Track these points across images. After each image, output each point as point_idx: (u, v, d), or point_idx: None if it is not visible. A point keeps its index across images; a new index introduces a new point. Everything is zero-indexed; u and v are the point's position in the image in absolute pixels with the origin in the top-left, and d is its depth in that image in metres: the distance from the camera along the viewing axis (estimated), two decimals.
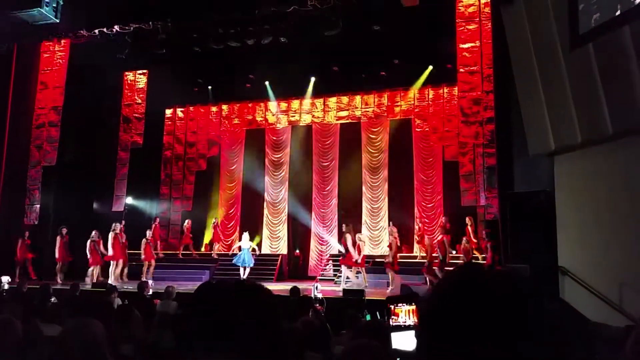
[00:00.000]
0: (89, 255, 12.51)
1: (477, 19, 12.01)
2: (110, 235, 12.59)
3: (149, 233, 13.50)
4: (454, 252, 13.03)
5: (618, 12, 6.51)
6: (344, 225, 13.78)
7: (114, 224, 13.01)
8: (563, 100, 7.49)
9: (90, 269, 12.53)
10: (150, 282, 10.61)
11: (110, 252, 12.55)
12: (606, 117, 6.83)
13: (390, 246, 11.75)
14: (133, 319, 3.84)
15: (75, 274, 12.78)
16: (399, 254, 12.21)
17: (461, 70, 12.12)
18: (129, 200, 15.71)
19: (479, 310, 0.82)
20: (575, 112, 7.35)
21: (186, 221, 15.51)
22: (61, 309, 5.04)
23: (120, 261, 12.82)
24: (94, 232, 12.76)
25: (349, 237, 12.16)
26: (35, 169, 14.05)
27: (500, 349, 0.79)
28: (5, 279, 10.14)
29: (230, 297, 1.15)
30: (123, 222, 13.85)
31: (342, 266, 12.48)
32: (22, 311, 4.56)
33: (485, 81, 11.78)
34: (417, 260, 13.51)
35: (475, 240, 12.78)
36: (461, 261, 11.52)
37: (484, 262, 11.01)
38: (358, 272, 12.35)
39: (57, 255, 12.74)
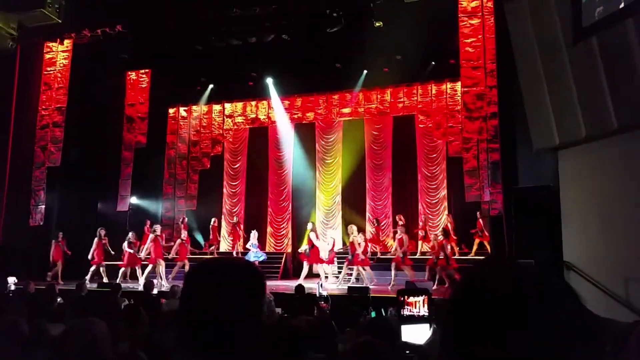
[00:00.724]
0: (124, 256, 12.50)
1: (480, 14, 11.94)
2: (151, 237, 12.39)
3: (184, 233, 13.25)
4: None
5: (622, 5, 6.47)
6: (348, 227, 13.77)
7: (155, 226, 12.89)
8: (567, 94, 7.45)
9: (123, 270, 12.50)
10: (156, 281, 10.65)
11: (151, 254, 12.39)
12: (611, 111, 6.80)
13: (400, 241, 11.60)
14: (140, 319, 3.85)
15: (77, 274, 12.83)
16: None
17: (464, 65, 12.07)
18: (134, 200, 15.75)
19: (505, 307, 0.80)
20: (580, 106, 7.32)
21: (212, 220, 15.48)
22: (67, 309, 5.07)
23: (162, 262, 12.61)
24: (130, 234, 12.74)
25: (354, 238, 12.07)
26: (39, 170, 14.10)
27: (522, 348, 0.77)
28: (12, 279, 10.19)
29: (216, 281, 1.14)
30: (159, 223, 13.93)
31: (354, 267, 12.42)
32: (28, 312, 4.58)
33: (488, 76, 11.73)
34: (419, 257, 13.51)
35: (455, 238, 12.94)
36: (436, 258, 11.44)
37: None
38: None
39: (93, 256, 12.49)
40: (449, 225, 13.07)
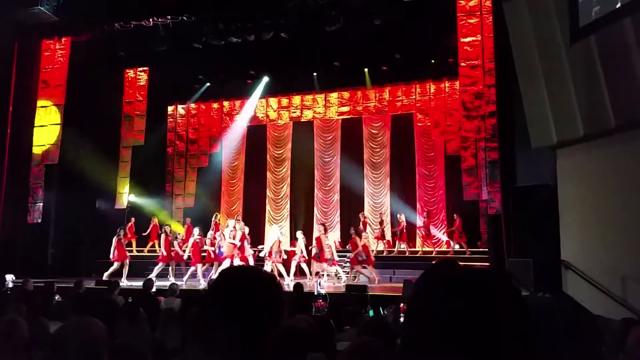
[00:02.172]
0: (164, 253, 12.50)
1: (478, 13, 11.95)
2: (192, 241, 12.36)
3: (197, 231, 13.01)
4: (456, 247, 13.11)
5: (618, 5, 6.49)
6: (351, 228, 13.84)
7: (194, 228, 12.80)
8: (565, 93, 7.47)
9: (159, 265, 12.47)
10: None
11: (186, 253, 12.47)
12: (609, 110, 6.81)
13: (353, 243, 11.74)
14: (138, 317, 3.86)
15: (79, 272, 12.83)
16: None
17: (463, 64, 12.07)
18: (132, 197, 15.73)
19: (455, 309, 0.81)
20: (578, 105, 7.33)
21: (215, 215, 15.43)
22: (65, 307, 5.08)
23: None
24: (167, 228, 12.77)
25: (358, 239, 12.07)
26: (37, 168, 14.07)
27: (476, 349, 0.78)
28: (10, 277, 10.18)
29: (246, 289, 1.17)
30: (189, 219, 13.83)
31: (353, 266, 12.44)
32: (27, 310, 4.58)
33: (487, 75, 11.73)
34: (419, 255, 13.56)
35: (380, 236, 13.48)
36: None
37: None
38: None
39: (114, 255, 12.25)
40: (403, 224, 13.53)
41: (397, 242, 13.92)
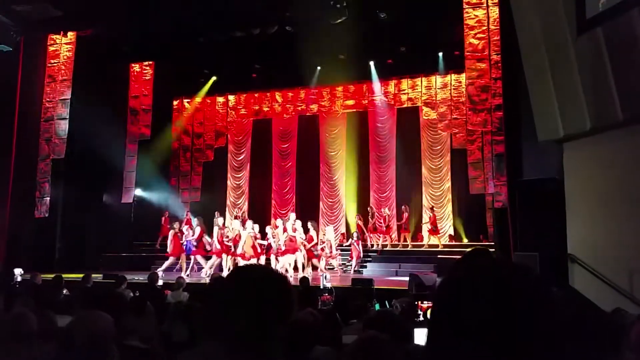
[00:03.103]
0: (218, 247, 12.09)
1: (484, 5, 11.86)
2: (172, 233, 12.23)
3: (221, 220, 12.98)
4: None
5: None
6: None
7: (249, 223, 12.41)
8: (572, 85, 7.41)
9: (213, 260, 12.24)
10: (161, 273, 10.70)
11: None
12: (616, 103, 6.76)
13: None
14: (146, 310, 3.88)
15: (86, 266, 12.91)
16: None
17: (469, 57, 12.00)
18: (138, 192, 15.81)
19: (486, 300, 0.81)
20: (585, 98, 7.27)
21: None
22: (73, 301, 5.11)
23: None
24: (176, 224, 12.58)
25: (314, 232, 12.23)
26: (44, 162, 14.15)
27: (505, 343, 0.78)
28: (18, 271, 10.24)
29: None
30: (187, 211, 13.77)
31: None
32: (35, 303, 4.61)
33: (493, 68, 11.66)
34: (425, 249, 13.55)
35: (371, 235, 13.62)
36: None
37: None
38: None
39: (170, 249, 12.16)
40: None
41: (402, 234, 13.96)
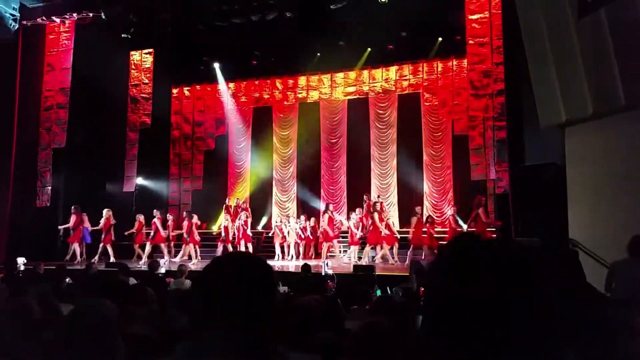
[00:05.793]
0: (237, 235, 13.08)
1: None
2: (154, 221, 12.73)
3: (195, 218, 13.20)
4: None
5: None
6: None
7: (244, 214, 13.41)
8: (574, 70, 7.35)
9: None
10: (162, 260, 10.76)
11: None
12: (619, 88, 6.70)
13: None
14: (148, 298, 3.89)
15: (88, 255, 12.96)
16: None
17: (470, 42, 11.93)
18: (140, 180, 15.79)
19: (474, 279, 0.82)
20: (587, 83, 7.22)
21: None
22: (76, 289, 5.14)
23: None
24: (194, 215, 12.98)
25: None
26: (45, 152, 14.15)
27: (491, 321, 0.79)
28: (21, 260, 10.30)
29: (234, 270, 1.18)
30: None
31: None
32: (39, 292, 4.63)
33: (495, 53, 11.59)
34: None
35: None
36: None
37: None
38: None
39: (189, 238, 12.70)
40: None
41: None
